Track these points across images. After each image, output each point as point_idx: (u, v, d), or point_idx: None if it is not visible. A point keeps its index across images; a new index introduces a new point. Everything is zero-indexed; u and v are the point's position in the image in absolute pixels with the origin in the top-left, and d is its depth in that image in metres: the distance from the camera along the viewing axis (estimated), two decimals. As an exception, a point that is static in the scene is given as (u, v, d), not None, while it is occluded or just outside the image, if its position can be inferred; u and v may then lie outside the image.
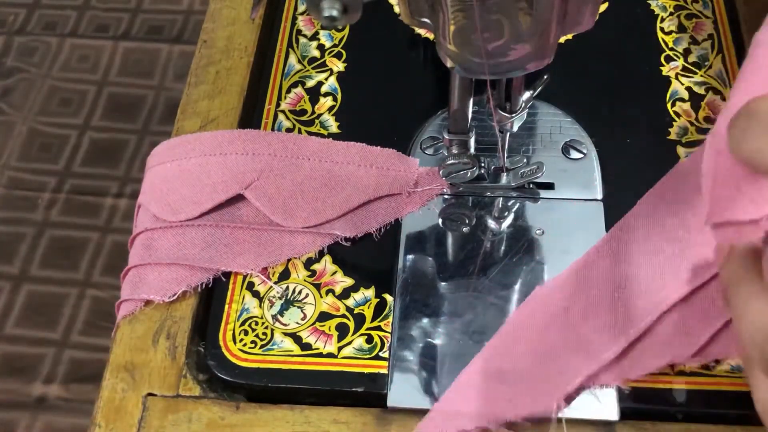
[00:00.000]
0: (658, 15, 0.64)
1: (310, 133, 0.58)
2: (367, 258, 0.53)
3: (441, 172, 0.53)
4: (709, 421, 0.46)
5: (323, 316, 0.50)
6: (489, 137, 0.56)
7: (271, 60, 0.63)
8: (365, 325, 0.50)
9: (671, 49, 0.62)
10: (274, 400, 0.48)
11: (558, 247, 0.52)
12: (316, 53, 0.63)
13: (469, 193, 0.55)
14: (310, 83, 0.61)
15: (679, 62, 0.61)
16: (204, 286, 0.52)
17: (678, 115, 0.58)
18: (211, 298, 0.52)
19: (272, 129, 0.59)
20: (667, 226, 0.48)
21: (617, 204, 0.54)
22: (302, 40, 0.64)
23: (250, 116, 0.60)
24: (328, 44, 0.64)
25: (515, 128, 0.51)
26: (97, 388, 0.49)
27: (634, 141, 0.57)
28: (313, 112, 0.60)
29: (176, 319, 0.51)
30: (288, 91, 0.61)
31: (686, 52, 0.62)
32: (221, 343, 0.50)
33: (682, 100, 0.59)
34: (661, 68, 0.61)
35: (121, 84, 1.06)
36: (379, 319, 0.50)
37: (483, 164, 0.55)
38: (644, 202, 0.51)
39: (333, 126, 0.59)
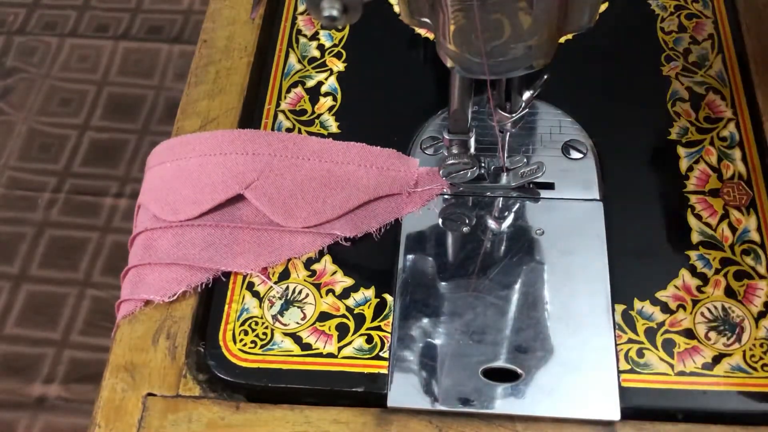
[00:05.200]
0: (658, 15, 0.64)
1: (310, 133, 0.58)
2: (367, 258, 0.53)
3: (441, 172, 0.53)
4: (709, 421, 0.46)
5: (323, 316, 0.50)
6: (489, 137, 0.56)
7: (271, 60, 0.63)
8: (365, 325, 0.50)
9: (671, 49, 0.62)
10: (274, 400, 0.48)
11: (558, 247, 0.52)
12: (316, 53, 0.63)
13: (469, 193, 0.55)
14: (310, 83, 0.61)
15: (679, 62, 0.61)
16: (204, 286, 0.52)
17: (678, 115, 0.58)
18: (211, 298, 0.52)
19: (272, 129, 0.59)
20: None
21: (617, 204, 0.54)
22: (302, 40, 0.64)
23: (250, 116, 0.60)
24: (328, 44, 0.64)
25: (515, 128, 0.51)
26: (97, 388, 0.49)
27: (634, 141, 0.57)
28: (313, 112, 0.60)
29: (176, 319, 0.51)
30: (288, 91, 0.61)
31: (686, 52, 0.62)
32: (221, 343, 0.50)
33: (682, 100, 0.59)
34: (661, 68, 0.61)
35: (121, 84, 1.06)
36: (379, 319, 0.50)
37: (483, 164, 0.55)
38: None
39: (333, 126, 0.59)
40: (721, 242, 0.52)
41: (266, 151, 0.55)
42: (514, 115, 0.49)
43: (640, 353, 0.48)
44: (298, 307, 0.51)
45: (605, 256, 0.51)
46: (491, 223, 0.54)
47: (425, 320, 0.50)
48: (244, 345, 0.49)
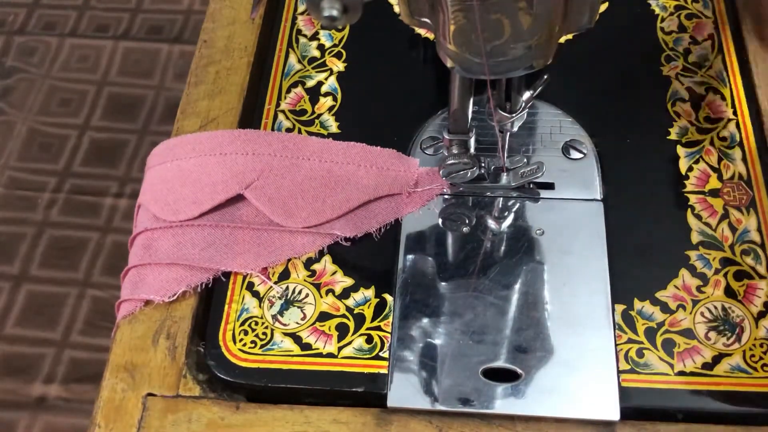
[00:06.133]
0: (658, 15, 0.64)
1: (310, 133, 0.58)
2: (367, 258, 0.53)
3: (441, 172, 0.53)
4: (709, 421, 0.46)
5: (323, 316, 0.50)
6: (489, 137, 0.56)
7: (271, 60, 0.63)
8: (365, 325, 0.50)
9: (671, 49, 0.62)
10: (274, 400, 0.48)
11: (558, 247, 0.52)
12: (316, 53, 0.63)
13: (469, 193, 0.55)
14: (310, 83, 0.61)
15: (679, 62, 0.61)
16: (204, 286, 0.52)
17: (678, 115, 0.58)
18: (211, 298, 0.52)
19: (272, 129, 0.59)
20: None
21: (617, 204, 0.54)
22: (302, 40, 0.64)
23: (250, 116, 0.60)
24: (328, 44, 0.64)
25: (515, 128, 0.51)
26: (97, 388, 0.49)
27: (634, 141, 0.57)
28: (313, 112, 0.60)
29: (176, 319, 0.51)
30: (288, 91, 0.61)
31: (686, 52, 0.62)
32: (221, 343, 0.50)
33: (682, 100, 0.59)
34: (661, 68, 0.61)
35: (121, 84, 1.06)
36: (379, 319, 0.50)
37: (483, 164, 0.55)
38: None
39: (333, 126, 0.59)
40: (721, 242, 0.52)
41: (266, 151, 0.55)
42: (514, 115, 0.49)
43: (640, 353, 0.48)
44: (298, 307, 0.51)
45: (605, 256, 0.51)
46: (491, 223, 0.54)
47: (425, 320, 0.50)
48: (244, 345, 0.49)
